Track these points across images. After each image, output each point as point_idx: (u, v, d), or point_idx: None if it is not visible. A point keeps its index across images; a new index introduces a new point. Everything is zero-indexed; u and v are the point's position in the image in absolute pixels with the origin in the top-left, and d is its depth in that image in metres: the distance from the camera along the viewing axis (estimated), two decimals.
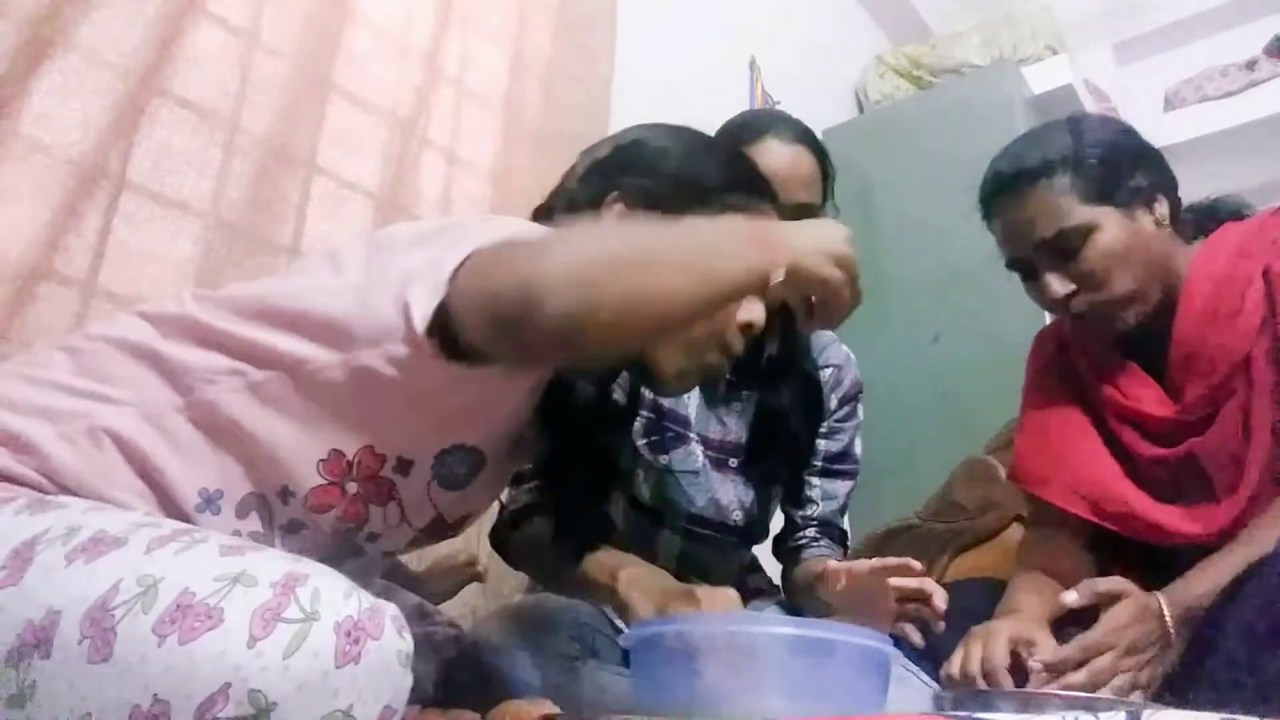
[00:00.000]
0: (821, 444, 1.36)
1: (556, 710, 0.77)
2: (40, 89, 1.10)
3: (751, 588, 1.41)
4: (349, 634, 0.63)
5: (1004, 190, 1.18)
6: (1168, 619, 0.97)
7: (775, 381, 1.29)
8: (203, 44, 1.27)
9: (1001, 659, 0.97)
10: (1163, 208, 1.15)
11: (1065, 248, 1.13)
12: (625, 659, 1.11)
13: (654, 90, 2.11)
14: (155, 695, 0.61)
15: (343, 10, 1.45)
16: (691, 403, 1.27)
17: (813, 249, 0.81)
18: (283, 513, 0.83)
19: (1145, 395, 1.16)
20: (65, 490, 0.77)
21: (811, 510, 1.36)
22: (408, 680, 0.67)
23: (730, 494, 1.28)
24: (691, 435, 1.26)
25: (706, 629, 0.75)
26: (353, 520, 0.85)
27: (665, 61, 2.21)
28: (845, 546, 1.40)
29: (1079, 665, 0.96)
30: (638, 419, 1.25)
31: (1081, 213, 1.12)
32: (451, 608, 1.39)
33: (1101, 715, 0.61)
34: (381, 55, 1.53)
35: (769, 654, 0.73)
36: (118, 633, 0.62)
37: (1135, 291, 1.12)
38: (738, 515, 1.28)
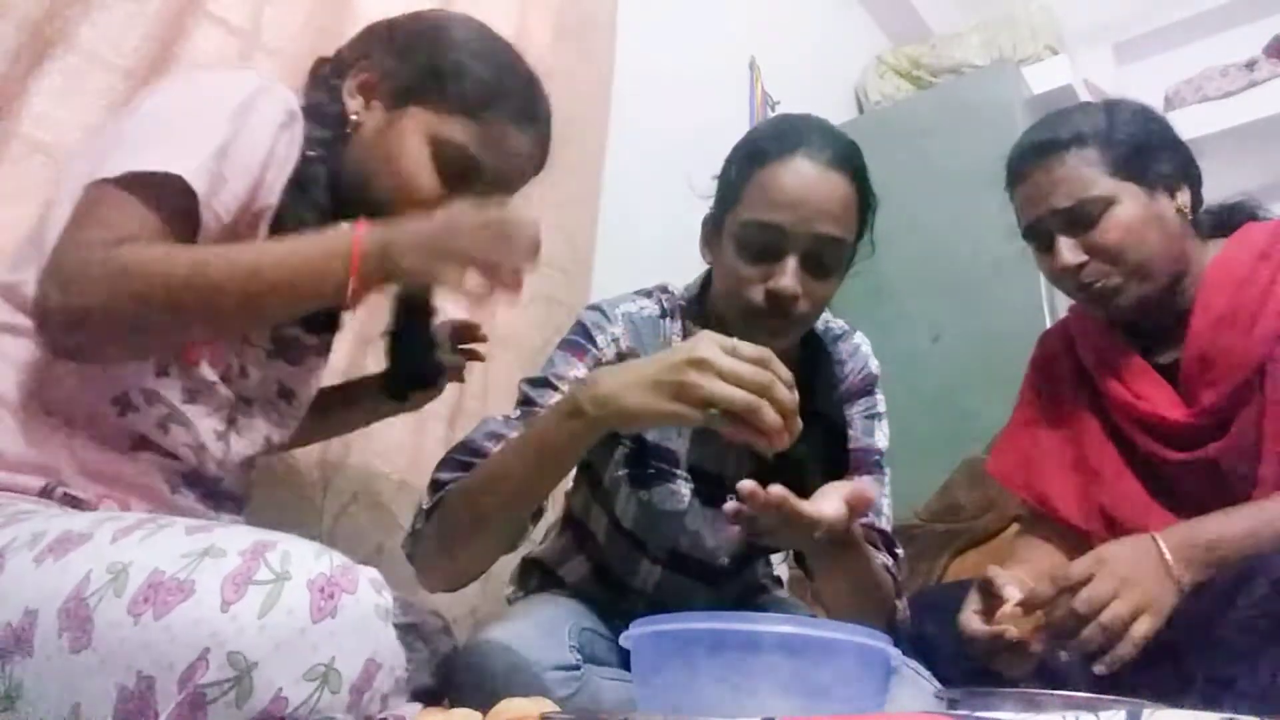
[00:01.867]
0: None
1: (556, 709, 0.77)
2: (40, 89, 1.10)
3: (757, 582, 1.39)
4: (322, 590, 0.64)
5: (1032, 156, 1.19)
6: (1165, 552, 0.95)
7: None
8: (203, 44, 1.27)
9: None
10: (1185, 197, 1.16)
11: (1084, 217, 1.13)
12: (624, 660, 1.11)
13: (654, 90, 2.11)
14: (139, 673, 0.61)
15: (343, 10, 1.45)
16: (681, 430, 1.13)
17: (415, 247, 0.81)
18: (175, 383, 0.87)
19: (1158, 397, 1.15)
20: (7, 468, 0.80)
21: None
22: (389, 634, 0.68)
23: (720, 536, 1.16)
24: (678, 473, 1.13)
25: (707, 628, 0.75)
26: (222, 363, 0.90)
27: (665, 61, 2.21)
28: (895, 554, 1.12)
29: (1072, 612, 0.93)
30: (620, 446, 1.14)
31: (1105, 185, 1.13)
32: (452, 609, 1.39)
33: (1101, 715, 0.61)
34: None
35: (769, 653, 0.72)
36: (94, 620, 0.63)
37: (1145, 266, 1.13)
38: (724, 560, 1.18)
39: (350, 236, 0.81)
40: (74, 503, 0.80)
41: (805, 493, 0.92)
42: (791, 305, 1.01)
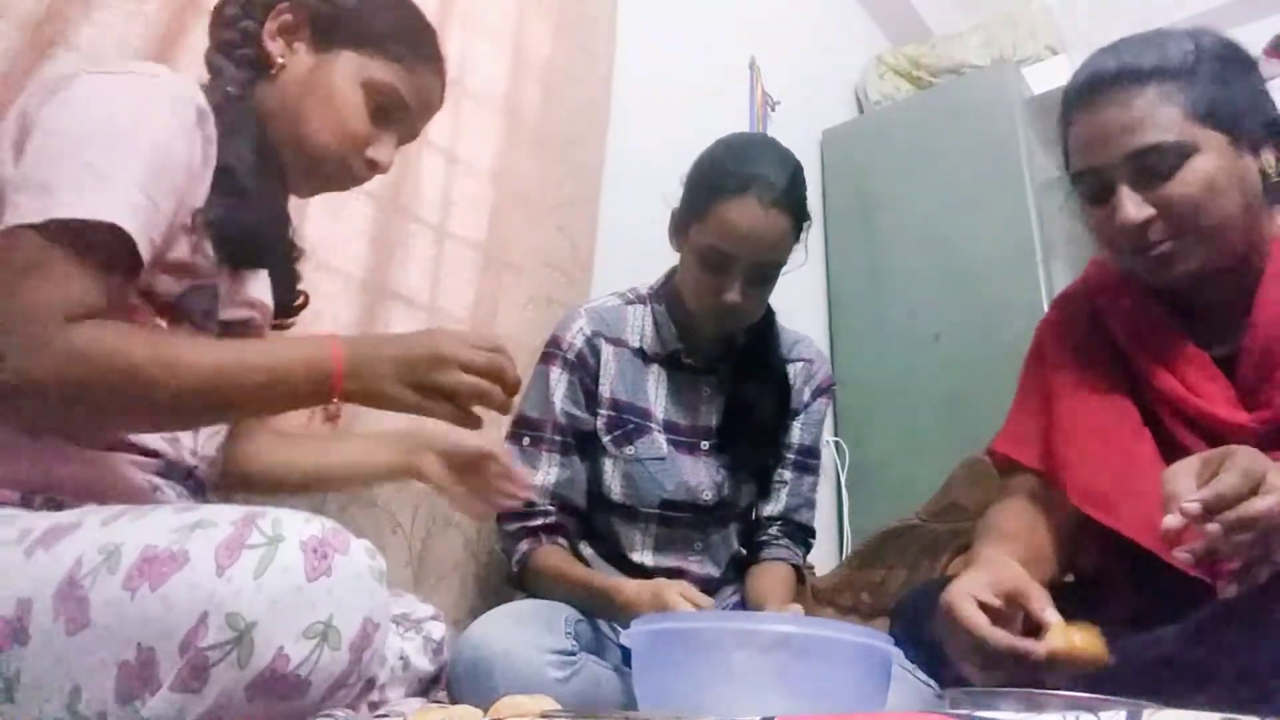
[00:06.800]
0: (795, 436, 1.43)
1: (557, 706, 0.77)
2: None
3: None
4: (315, 550, 0.65)
5: (1103, 87, 1.02)
6: None
7: (744, 371, 1.36)
8: (202, 44, 1.27)
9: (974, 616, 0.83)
10: (1270, 158, 1.00)
11: (1158, 166, 0.96)
12: (625, 657, 1.11)
13: (654, 90, 2.11)
14: (139, 645, 0.62)
15: None
16: (655, 394, 1.35)
17: (395, 373, 0.81)
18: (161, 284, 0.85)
19: (1215, 393, 0.99)
20: None
21: (776, 505, 1.42)
22: (384, 595, 0.69)
23: (701, 476, 1.35)
24: (653, 425, 1.34)
25: (706, 627, 0.75)
26: (201, 273, 0.87)
27: (665, 61, 2.21)
28: (808, 544, 1.45)
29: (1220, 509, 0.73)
30: (598, 418, 1.32)
31: (1188, 130, 0.96)
32: (452, 608, 1.39)
33: (1102, 715, 0.61)
34: None
35: (769, 652, 0.73)
36: (90, 600, 0.64)
37: (1220, 231, 0.97)
38: (709, 495, 1.35)
39: (329, 349, 0.80)
40: (56, 506, 0.78)
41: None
42: (735, 311, 1.28)
